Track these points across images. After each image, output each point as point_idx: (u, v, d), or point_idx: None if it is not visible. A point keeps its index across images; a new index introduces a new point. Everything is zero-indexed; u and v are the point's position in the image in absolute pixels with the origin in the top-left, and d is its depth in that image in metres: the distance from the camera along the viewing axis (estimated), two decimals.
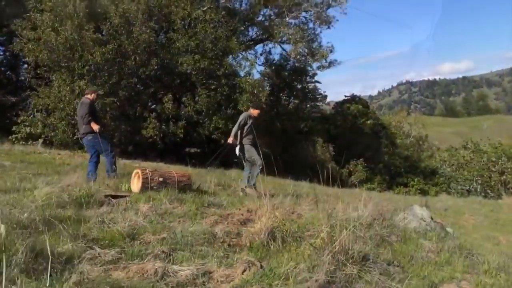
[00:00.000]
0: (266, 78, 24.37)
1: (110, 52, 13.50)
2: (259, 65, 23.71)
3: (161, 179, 6.27)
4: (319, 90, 38.50)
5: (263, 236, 4.16)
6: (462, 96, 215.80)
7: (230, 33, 16.60)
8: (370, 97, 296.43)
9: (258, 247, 4.03)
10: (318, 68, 24.20)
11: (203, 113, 15.39)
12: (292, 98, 35.82)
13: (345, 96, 35.10)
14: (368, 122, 31.97)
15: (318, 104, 36.46)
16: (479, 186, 29.23)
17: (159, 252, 3.60)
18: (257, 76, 20.32)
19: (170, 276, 3.33)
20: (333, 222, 4.78)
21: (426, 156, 38.45)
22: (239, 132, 7.93)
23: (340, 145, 28.34)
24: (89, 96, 7.61)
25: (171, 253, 3.71)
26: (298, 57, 22.63)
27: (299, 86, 36.25)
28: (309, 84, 38.51)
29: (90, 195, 5.64)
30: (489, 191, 28.88)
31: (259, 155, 7.87)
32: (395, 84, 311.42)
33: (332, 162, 23.83)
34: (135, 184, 6.27)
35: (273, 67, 24.50)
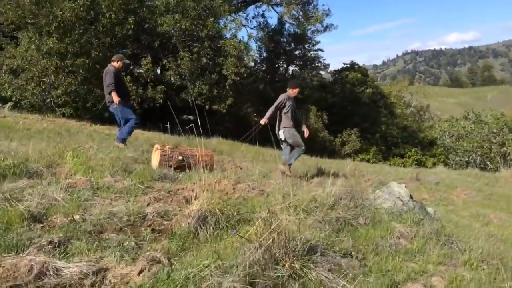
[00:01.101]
0: (258, 43, 23.15)
1: (81, 9, 12.44)
2: (250, 28, 22.48)
3: (180, 157, 5.99)
4: (321, 59, 37.42)
5: (191, 221, 3.38)
6: (467, 67, 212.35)
7: None
8: (375, 66, 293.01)
9: (182, 236, 3.25)
10: (313, 32, 22.92)
11: (186, 78, 14.46)
12: (289, 65, 34.79)
13: (344, 64, 33.89)
14: (367, 91, 30.92)
15: (320, 72, 35.39)
16: (478, 158, 28.52)
17: (45, 243, 2.83)
18: (251, 42, 19.11)
19: (49, 275, 2.56)
20: (286, 203, 4.06)
21: (427, 127, 37.54)
22: (278, 114, 7.57)
23: (336, 114, 27.41)
24: (114, 64, 7.25)
25: (64, 243, 2.94)
26: (291, 20, 21.33)
27: (298, 53, 35.20)
28: (312, 53, 37.43)
29: (18, 165, 4.90)
30: (488, 162, 28.20)
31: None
32: (400, 54, 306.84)
33: (325, 132, 22.95)
34: (154, 159, 6.04)
35: (267, 32, 23.24)
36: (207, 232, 3.32)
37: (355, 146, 22.95)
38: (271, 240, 2.86)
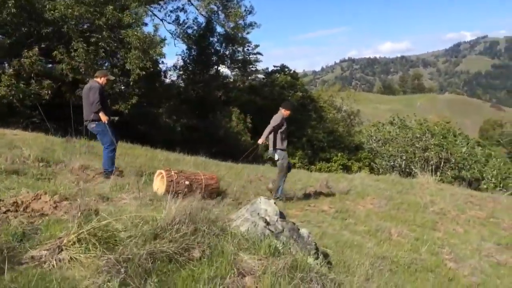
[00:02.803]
0: (177, 39, 21.69)
1: None
2: (169, 23, 20.96)
3: (187, 182, 5.81)
4: (260, 62, 36.66)
5: None
6: (399, 75, 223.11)
7: None
8: (314, 72, 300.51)
9: None
10: (233, 29, 21.82)
11: (83, 72, 12.72)
12: (220, 66, 33.63)
13: (274, 66, 33.27)
14: (296, 94, 30.44)
15: (258, 76, 34.46)
16: (403, 162, 28.87)
17: None
18: (160, 34, 17.36)
19: None
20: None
21: (356, 131, 37.89)
22: (272, 135, 7.78)
23: (265, 117, 26.55)
24: (98, 79, 6.84)
25: None
26: (208, 14, 20.08)
27: (228, 54, 34.14)
28: (251, 56, 36.57)
29: None
30: (413, 167, 28.60)
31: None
32: (338, 61, 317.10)
33: (247, 135, 21.92)
34: (158, 186, 5.82)
35: (186, 27, 21.83)
36: None
37: None
38: None
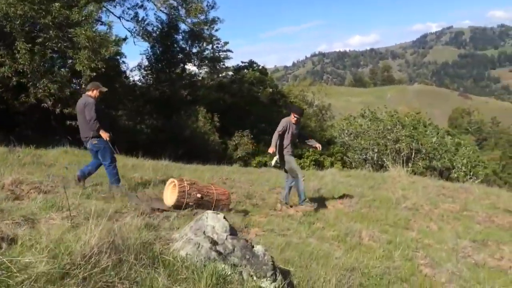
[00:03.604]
0: (136, 37, 20.69)
1: None
2: (127, 20, 19.96)
3: (199, 195, 5.69)
4: (229, 59, 35.88)
5: None
6: (369, 68, 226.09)
7: None
8: (286, 67, 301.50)
9: None
10: (195, 24, 21.04)
11: (29, 75, 11.72)
12: (187, 64, 32.76)
13: (242, 62, 32.58)
14: (266, 90, 29.88)
15: (229, 73, 33.64)
16: (375, 155, 28.75)
17: None
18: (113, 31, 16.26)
19: None
20: None
21: (329, 126, 37.67)
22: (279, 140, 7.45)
23: (234, 115, 25.89)
24: (91, 93, 6.46)
25: None
26: (168, 10, 19.21)
27: (195, 51, 33.26)
28: (221, 53, 35.75)
29: None
30: (385, 159, 28.51)
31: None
32: (308, 55, 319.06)
33: (215, 135, 21.21)
34: (169, 195, 5.73)
35: (145, 24, 20.85)
36: None
37: (247, 148, 21.47)
38: None
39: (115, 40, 15.63)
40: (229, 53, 33.04)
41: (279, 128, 7.41)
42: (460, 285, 4.87)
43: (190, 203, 5.55)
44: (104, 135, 6.38)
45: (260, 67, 32.13)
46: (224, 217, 3.92)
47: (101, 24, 14.64)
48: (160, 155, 13.96)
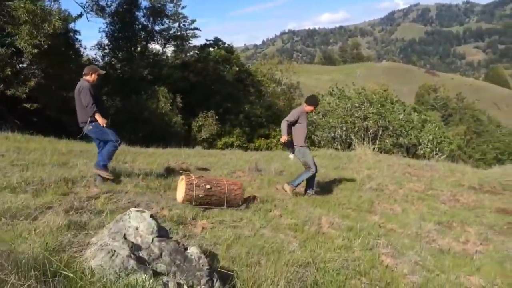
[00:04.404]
0: (89, 13, 19.43)
1: None
2: None
3: (208, 186, 5.58)
4: (193, 37, 34.69)
5: None
6: (339, 45, 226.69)
7: None
8: (255, 46, 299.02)
9: None
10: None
11: None
12: (149, 42, 31.58)
13: (207, 40, 31.54)
14: (232, 69, 29.06)
15: (196, 52, 32.45)
16: (344, 133, 28.61)
17: None
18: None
19: None
20: None
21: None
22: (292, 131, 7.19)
23: (199, 94, 25.03)
24: (88, 77, 6.27)
25: None
26: None
27: (157, 29, 32.05)
28: (189, 31, 34.54)
29: None
30: (353, 137, 28.41)
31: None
32: (278, 33, 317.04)
33: (178, 116, 20.37)
34: (179, 191, 5.65)
35: (118, 3, 19.57)
36: None
37: (212, 130, 20.79)
38: None
39: (65, 15, 14.48)
40: (197, 32, 32.01)
41: (290, 117, 7.10)
42: (423, 276, 4.49)
43: (200, 195, 5.45)
44: (101, 120, 6.16)
45: (226, 45, 31.18)
46: (152, 216, 3.34)
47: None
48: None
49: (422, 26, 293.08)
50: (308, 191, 7.52)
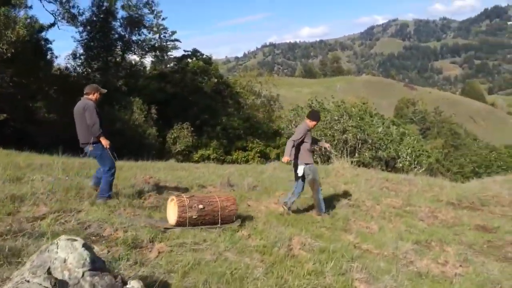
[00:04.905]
0: (60, 21, 18.84)
1: None
2: (48, 2, 18.07)
3: (201, 206, 5.37)
4: (174, 48, 34.26)
5: None
6: (319, 59, 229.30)
7: None
8: (237, 58, 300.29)
9: None
10: (124, 7, 19.57)
11: None
12: (126, 53, 31.01)
13: (185, 51, 31.14)
14: (211, 80, 28.69)
15: (173, 62, 32.01)
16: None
17: None
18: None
19: None
20: None
21: (277, 117, 37.11)
22: (296, 147, 6.94)
23: (175, 106, 24.51)
24: (91, 96, 6.13)
25: None
26: None
27: (134, 39, 31.57)
28: (169, 43, 34.07)
29: None
30: (333, 150, 28.23)
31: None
32: (259, 46, 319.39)
33: (153, 128, 19.79)
34: (171, 214, 5.35)
35: (70, 7, 19.02)
36: None
37: (187, 142, 20.26)
38: None
39: (33, 23, 13.91)
40: (177, 43, 31.66)
41: (297, 136, 6.88)
42: None
43: (194, 217, 5.26)
44: (105, 142, 6.07)
45: (204, 56, 30.83)
46: (85, 245, 2.85)
47: (12, 7, 12.89)
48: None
49: (400, 41, 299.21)
50: (285, 201, 7.21)
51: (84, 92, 6.28)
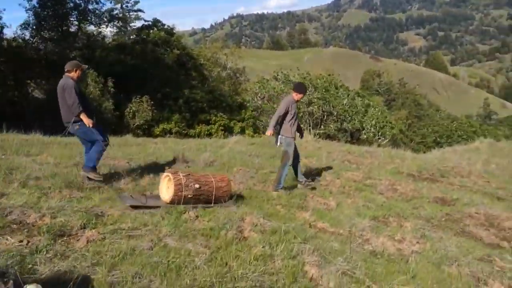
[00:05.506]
0: None
1: None
2: None
3: (197, 185, 5.31)
4: (136, 19, 32.75)
5: None
6: (287, 30, 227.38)
7: None
8: (204, 30, 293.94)
9: None
10: None
11: None
12: (83, 23, 29.42)
13: (145, 21, 29.82)
14: (173, 52, 27.65)
15: (136, 34, 30.67)
16: None
17: None
18: None
19: None
20: None
21: (243, 89, 36.53)
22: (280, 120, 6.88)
23: (136, 78, 23.47)
24: (71, 74, 5.89)
25: None
26: None
27: (91, 8, 29.97)
28: (132, 13, 32.51)
29: None
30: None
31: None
32: (227, 18, 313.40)
33: (109, 102, 18.86)
34: (165, 191, 5.33)
35: None
36: None
37: (146, 116, 19.50)
38: None
39: None
40: (140, 13, 30.30)
41: (281, 109, 6.81)
42: None
43: (189, 196, 5.21)
44: (86, 121, 5.81)
45: (166, 27, 29.61)
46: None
47: None
48: (38, 127, 11.80)
49: (367, 12, 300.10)
50: (304, 181, 7.37)
51: (65, 70, 6.01)
